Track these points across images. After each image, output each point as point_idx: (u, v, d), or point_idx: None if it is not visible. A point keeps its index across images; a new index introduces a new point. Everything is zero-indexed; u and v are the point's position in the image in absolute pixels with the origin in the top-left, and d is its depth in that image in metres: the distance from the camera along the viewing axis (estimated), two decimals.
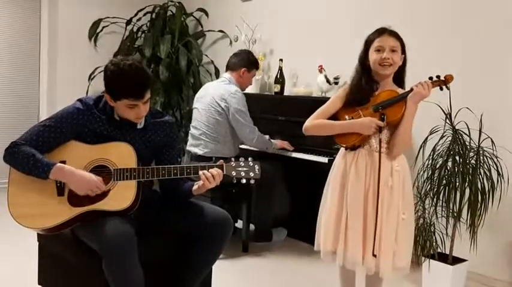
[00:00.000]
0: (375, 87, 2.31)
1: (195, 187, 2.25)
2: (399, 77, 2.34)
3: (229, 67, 3.80)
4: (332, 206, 2.33)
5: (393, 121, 2.23)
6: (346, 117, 2.31)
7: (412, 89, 2.21)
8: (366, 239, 2.23)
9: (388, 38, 2.26)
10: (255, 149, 3.78)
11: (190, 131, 3.80)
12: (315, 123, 2.36)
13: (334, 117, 2.35)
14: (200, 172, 2.16)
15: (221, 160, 2.23)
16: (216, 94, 3.63)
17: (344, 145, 2.34)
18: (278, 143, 3.76)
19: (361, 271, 2.37)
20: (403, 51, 2.30)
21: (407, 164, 2.36)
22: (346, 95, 2.34)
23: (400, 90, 2.30)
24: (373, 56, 2.27)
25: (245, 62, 3.75)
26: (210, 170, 2.17)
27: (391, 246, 2.22)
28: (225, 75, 3.78)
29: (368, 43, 2.31)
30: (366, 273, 2.35)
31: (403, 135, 2.23)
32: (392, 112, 2.22)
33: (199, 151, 3.66)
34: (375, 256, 2.18)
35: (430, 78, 2.24)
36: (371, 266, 2.22)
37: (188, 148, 3.79)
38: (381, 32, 2.29)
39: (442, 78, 2.24)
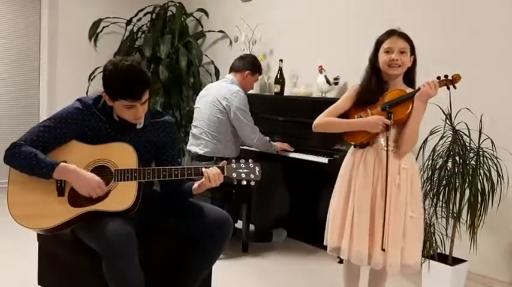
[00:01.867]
0: (385, 88, 2.35)
1: (195, 186, 2.25)
2: (409, 78, 2.38)
3: (233, 69, 3.82)
4: (339, 202, 2.38)
5: (400, 119, 2.27)
6: (355, 116, 2.36)
7: (419, 89, 2.25)
8: (374, 235, 2.26)
9: (397, 40, 2.30)
10: (255, 149, 3.78)
11: (191, 131, 3.81)
12: (324, 120, 2.41)
13: (345, 116, 2.40)
14: (204, 169, 2.17)
15: (224, 161, 2.23)
16: (218, 93, 3.65)
17: (353, 143, 2.39)
18: (278, 145, 3.77)
19: (366, 267, 2.40)
20: (413, 53, 2.33)
21: (417, 165, 2.40)
22: (356, 95, 2.38)
23: (409, 90, 2.33)
24: (382, 58, 2.31)
25: (250, 65, 3.79)
26: (210, 168, 2.18)
27: (399, 242, 2.26)
28: (228, 76, 3.81)
29: (378, 44, 2.35)
30: (370, 269, 2.37)
31: (410, 133, 2.28)
32: (399, 111, 2.26)
33: (199, 150, 3.67)
34: (383, 250, 2.22)
35: (438, 77, 2.27)
36: (379, 261, 2.26)
37: (189, 147, 3.80)
38: (390, 33, 2.33)
39: (449, 77, 2.27)
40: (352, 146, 2.42)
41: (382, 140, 2.31)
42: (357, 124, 2.33)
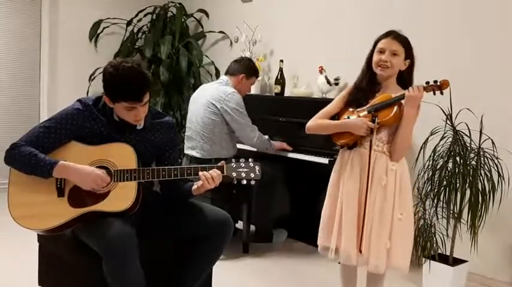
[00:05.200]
0: (377, 89, 2.34)
1: (194, 187, 2.25)
2: (404, 81, 2.35)
3: (228, 72, 3.80)
4: (327, 203, 2.40)
5: (384, 123, 2.26)
6: (345, 117, 2.36)
7: (404, 95, 2.24)
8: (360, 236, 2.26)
9: (391, 41, 2.28)
10: (254, 149, 3.78)
11: (186, 134, 3.79)
12: (315, 122, 2.42)
13: (338, 116, 2.40)
14: (200, 173, 2.16)
15: (222, 161, 2.23)
16: (212, 95, 3.61)
17: (338, 143, 2.39)
18: (277, 144, 3.77)
19: (361, 269, 2.40)
20: (408, 57, 2.31)
21: (407, 165, 2.38)
22: (348, 95, 2.38)
23: (400, 93, 2.31)
24: (374, 57, 2.31)
25: (245, 68, 3.74)
26: (209, 171, 2.17)
27: (384, 244, 2.24)
28: (223, 77, 3.78)
29: (375, 44, 2.35)
30: (367, 271, 2.37)
31: (402, 139, 2.26)
32: (383, 114, 2.25)
33: (196, 153, 3.65)
34: (360, 251, 2.22)
35: (427, 82, 2.26)
36: (364, 261, 2.26)
37: (186, 151, 3.78)
38: (387, 34, 2.32)
39: (438, 83, 2.24)
40: (342, 147, 2.41)
41: (367, 143, 2.30)
42: (343, 125, 2.33)
